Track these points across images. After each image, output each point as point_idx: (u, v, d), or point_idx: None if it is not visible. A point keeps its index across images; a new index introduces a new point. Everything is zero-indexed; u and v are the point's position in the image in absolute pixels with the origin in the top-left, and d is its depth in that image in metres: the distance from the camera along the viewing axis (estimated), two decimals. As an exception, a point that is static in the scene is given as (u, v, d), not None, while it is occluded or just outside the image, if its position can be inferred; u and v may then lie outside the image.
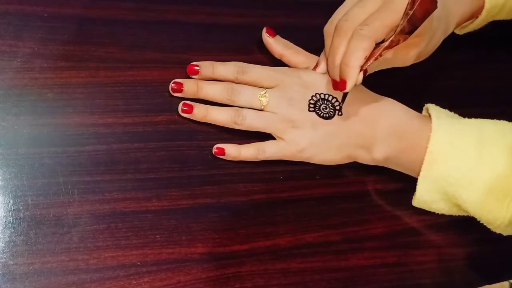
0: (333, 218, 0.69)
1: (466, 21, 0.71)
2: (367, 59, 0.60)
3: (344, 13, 0.62)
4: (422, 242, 0.71)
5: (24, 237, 0.59)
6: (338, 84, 0.61)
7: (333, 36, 0.62)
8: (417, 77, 0.69)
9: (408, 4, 0.58)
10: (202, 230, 0.64)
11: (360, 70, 0.60)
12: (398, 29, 0.59)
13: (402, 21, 0.59)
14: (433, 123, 0.65)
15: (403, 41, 0.60)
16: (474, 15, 0.71)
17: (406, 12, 0.58)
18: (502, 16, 0.73)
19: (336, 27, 0.62)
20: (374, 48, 0.60)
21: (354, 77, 0.60)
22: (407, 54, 0.64)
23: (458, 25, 0.71)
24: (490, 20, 0.73)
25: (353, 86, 0.60)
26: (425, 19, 0.59)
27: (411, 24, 0.59)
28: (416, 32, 0.60)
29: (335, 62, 0.62)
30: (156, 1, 0.70)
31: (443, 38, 0.68)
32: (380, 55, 0.60)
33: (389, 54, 0.61)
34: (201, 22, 0.71)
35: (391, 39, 0.59)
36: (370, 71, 0.63)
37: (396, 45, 0.60)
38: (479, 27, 0.74)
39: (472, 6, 0.69)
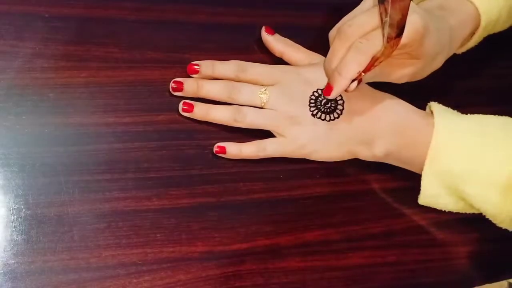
0: (333, 217, 0.69)
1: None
2: (361, 72, 0.59)
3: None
4: (422, 241, 0.71)
5: (25, 236, 0.59)
6: (325, 87, 0.61)
7: (334, 38, 0.61)
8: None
9: (380, 14, 0.57)
10: (202, 229, 0.64)
11: (354, 80, 0.60)
12: (384, 39, 0.57)
13: (383, 31, 0.57)
14: (436, 118, 0.65)
15: (397, 46, 0.58)
16: (472, 34, 0.71)
17: (383, 21, 0.57)
18: (497, 29, 0.73)
19: (339, 29, 0.61)
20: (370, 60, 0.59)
21: (341, 87, 0.59)
22: (402, 72, 0.64)
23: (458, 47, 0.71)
24: (485, 35, 0.73)
25: (338, 95, 0.60)
26: (406, 15, 0.56)
27: (395, 26, 0.57)
28: (414, 54, 0.60)
29: (331, 65, 0.61)
30: (156, 1, 0.70)
31: (443, 61, 0.67)
32: (374, 66, 0.59)
33: (386, 69, 0.61)
34: (201, 22, 0.71)
35: (381, 50, 0.58)
36: (364, 82, 0.63)
37: (391, 52, 0.58)
38: (476, 43, 0.74)
39: (472, 27, 0.69)
